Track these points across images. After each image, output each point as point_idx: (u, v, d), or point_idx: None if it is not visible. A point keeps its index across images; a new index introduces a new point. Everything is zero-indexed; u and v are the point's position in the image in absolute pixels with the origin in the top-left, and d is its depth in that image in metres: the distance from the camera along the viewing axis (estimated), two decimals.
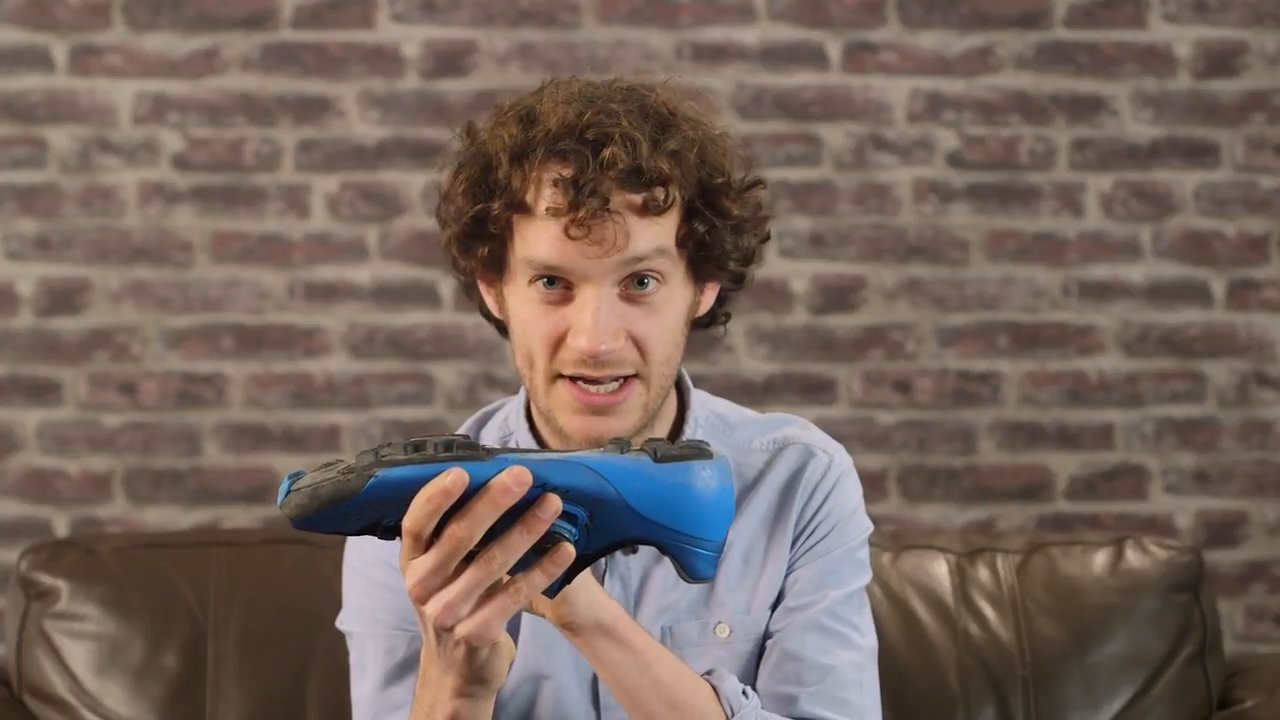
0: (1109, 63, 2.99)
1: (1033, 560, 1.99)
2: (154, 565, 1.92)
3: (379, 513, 1.11)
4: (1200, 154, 2.99)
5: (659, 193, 1.35)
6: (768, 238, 1.48)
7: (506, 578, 1.14)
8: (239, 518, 2.92)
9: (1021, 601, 1.96)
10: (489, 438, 1.53)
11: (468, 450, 1.10)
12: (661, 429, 1.47)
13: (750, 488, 1.49)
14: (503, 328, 1.47)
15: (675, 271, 1.39)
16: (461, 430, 1.56)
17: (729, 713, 1.36)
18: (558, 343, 1.37)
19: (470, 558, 1.12)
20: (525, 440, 1.48)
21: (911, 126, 2.97)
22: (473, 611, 1.14)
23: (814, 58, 2.97)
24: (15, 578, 1.92)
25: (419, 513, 1.09)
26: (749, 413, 1.55)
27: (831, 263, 2.98)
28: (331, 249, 2.93)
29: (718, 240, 1.40)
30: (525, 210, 1.36)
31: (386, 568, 1.45)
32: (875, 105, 2.97)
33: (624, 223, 1.34)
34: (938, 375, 2.98)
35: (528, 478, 1.09)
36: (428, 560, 1.11)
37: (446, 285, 2.91)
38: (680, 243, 1.39)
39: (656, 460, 1.14)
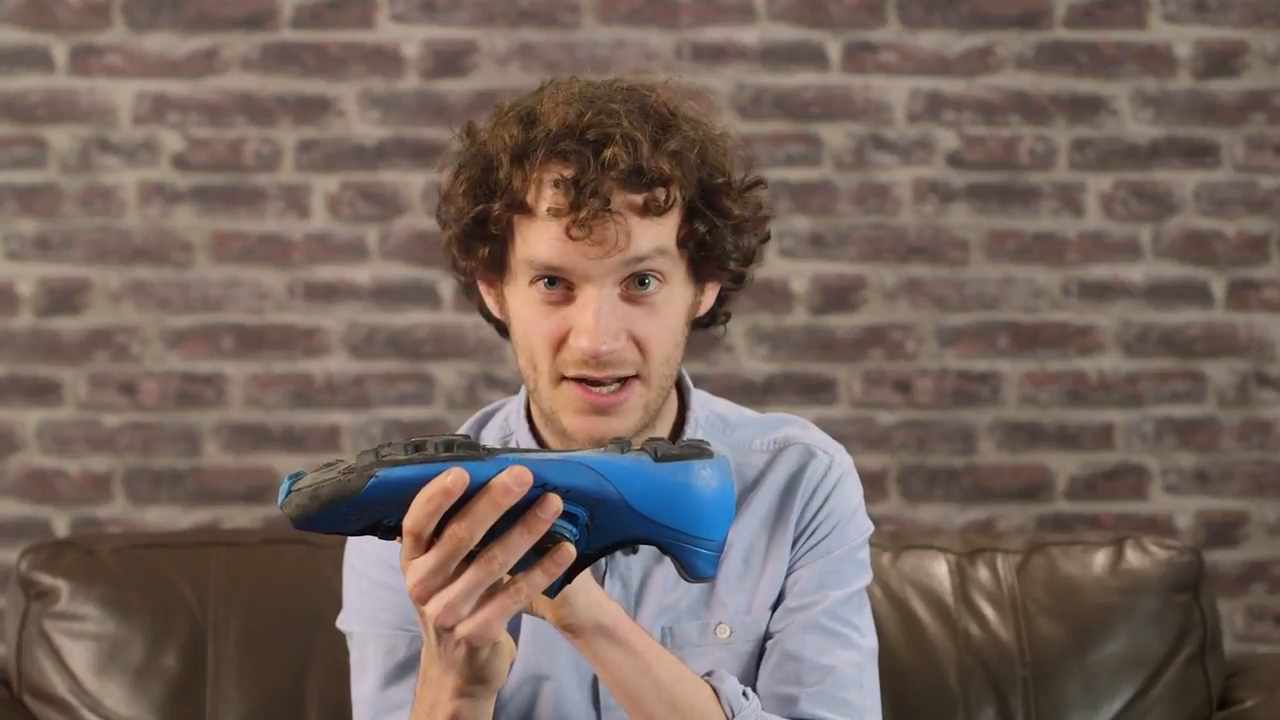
0: (1109, 63, 2.99)
1: (1033, 560, 1.99)
2: (154, 565, 1.92)
3: (379, 513, 1.11)
4: (1200, 154, 2.99)
5: (660, 193, 1.35)
6: (768, 238, 1.48)
7: (507, 578, 1.14)
8: (239, 518, 2.92)
9: (1021, 601, 1.96)
10: (489, 438, 1.53)
11: (468, 450, 1.10)
12: (662, 429, 1.47)
13: (751, 488, 1.49)
14: (502, 328, 1.47)
15: (676, 272, 1.39)
16: (462, 430, 1.56)
17: (729, 714, 1.36)
18: (559, 343, 1.37)
19: (471, 558, 1.12)
20: (525, 440, 1.48)
21: (911, 126, 2.97)
22: (473, 611, 1.14)
23: (814, 58, 2.97)
24: (15, 578, 1.92)
25: (419, 513, 1.09)
26: (749, 413, 1.55)
27: (831, 263, 2.98)
28: (331, 249, 2.93)
29: (718, 240, 1.40)
30: (526, 211, 1.36)
31: (387, 568, 1.45)
32: (875, 105, 2.97)
33: (625, 223, 1.34)
34: (938, 375, 2.98)
35: (528, 478, 1.09)
36: (428, 560, 1.11)
37: (446, 285, 2.91)
38: (681, 243, 1.39)
39: (657, 460, 1.14)
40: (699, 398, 1.52)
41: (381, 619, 1.46)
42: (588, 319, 1.35)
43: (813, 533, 1.48)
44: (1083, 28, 2.98)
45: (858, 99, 2.97)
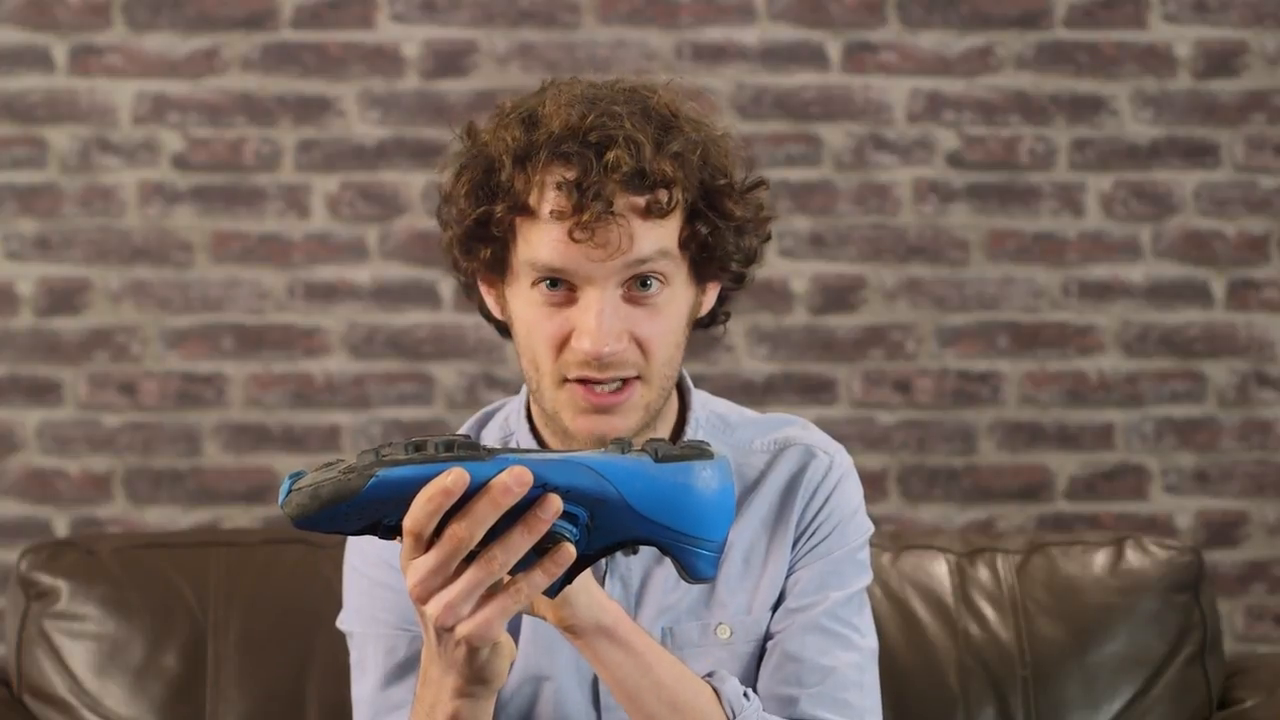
0: (1109, 63, 2.99)
1: (1033, 560, 1.99)
2: (154, 565, 1.92)
3: (380, 512, 1.11)
4: (1200, 154, 2.99)
5: (662, 195, 1.35)
6: (769, 238, 1.48)
7: (507, 578, 1.14)
8: (239, 518, 2.92)
9: (1021, 601, 1.96)
10: (490, 438, 1.53)
11: (468, 450, 1.10)
12: (663, 429, 1.47)
13: (751, 488, 1.49)
14: (503, 328, 1.47)
15: (678, 273, 1.39)
16: (462, 430, 1.56)
17: (730, 714, 1.36)
18: (562, 344, 1.37)
19: (471, 558, 1.12)
20: (526, 440, 1.48)
21: (911, 126, 2.97)
22: (473, 611, 1.14)
23: (814, 58, 2.97)
24: (15, 578, 1.92)
25: (420, 512, 1.09)
26: (749, 413, 1.55)
27: (831, 263, 2.98)
28: (331, 249, 2.93)
29: (720, 242, 1.40)
30: (529, 213, 1.36)
31: (387, 568, 1.45)
32: (875, 105, 2.97)
33: (628, 225, 1.34)
34: (938, 375, 2.98)
35: (528, 478, 1.09)
36: (428, 560, 1.11)
37: (446, 285, 2.91)
38: (683, 244, 1.39)
39: (657, 460, 1.14)
40: (699, 398, 1.52)
41: (381, 619, 1.46)
42: (590, 321, 1.35)
43: (813, 533, 1.48)
44: (1083, 28, 2.98)
45: (858, 99, 2.97)
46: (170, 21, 2.91)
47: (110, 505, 2.91)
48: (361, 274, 2.94)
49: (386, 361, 2.94)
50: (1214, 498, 3.00)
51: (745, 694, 1.38)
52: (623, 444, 1.15)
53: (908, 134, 2.97)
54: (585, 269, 1.35)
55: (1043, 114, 2.98)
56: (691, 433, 1.50)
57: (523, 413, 1.50)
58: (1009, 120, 2.98)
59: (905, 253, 2.98)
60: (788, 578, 1.47)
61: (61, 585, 1.89)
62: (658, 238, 1.36)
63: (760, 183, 1.45)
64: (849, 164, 2.97)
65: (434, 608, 1.13)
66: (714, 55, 2.96)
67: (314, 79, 2.93)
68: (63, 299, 2.91)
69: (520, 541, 1.11)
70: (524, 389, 1.49)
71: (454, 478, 1.08)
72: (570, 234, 1.33)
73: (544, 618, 1.27)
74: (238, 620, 1.89)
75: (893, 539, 2.03)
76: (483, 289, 1.46)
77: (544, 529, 1.11)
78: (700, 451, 1.15)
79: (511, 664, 1.24)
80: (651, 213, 1.35)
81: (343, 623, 1.52)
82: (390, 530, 1.12)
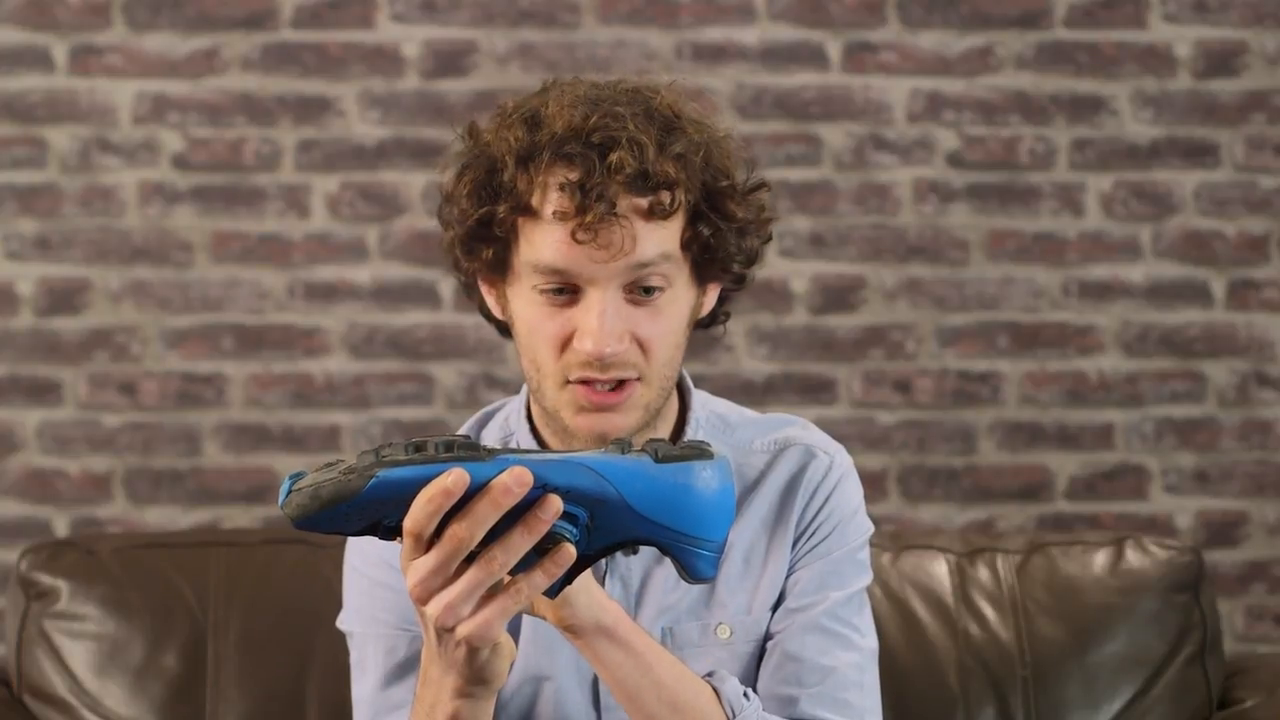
0: (1109, 63, 2.99)
1: (1033, 560, 1.99)
2: (154, 565, 1.92)
3: (380, 513, 1.11)
4: (1200, 154, 2.99)
5: (665, 196, 1.35)
6: (770, 239, 1.48)
7: (507, 578, 1.14)
8: (239, 518, 2.92)
9: (1021, 601, 1.96)
10: (490, 438, 1.53)
11: (469, 450, 1.10)
12: (663, 429, 1.47)
13: (751, 488, 1.49)
14: (503, 328, 1.47)
15: (679, 274, 1.39)
16: (462, 430, 1.56)
17: (730, 714, 1.36)
18: (564, 345, 1.37)
19: (471, 558, 1.12)
20: (526, 440, 1.48)
21: (911, 126, 2.97)
22: (474, 612, 1.14)
23: (814, 58, 2.97)
24: (15, 578, 1.92)
25: (420, 513, 1.09)
26: (749, 413, 1.55)
27: (831, 263, 2.98)
28: (331, 249, 2.93)
29: (722, 243, 1.40)
30: (531, 214, 1.36)
31: (387, 568, 1.45)
32: (875, 105, 2.97)
33: (630, 227, 1.34)
34: (938, 375, 2.98)
35: (529, 478, 1.09)
36: (429, 560, 1.11)
37: (446, 285, 2.91)
38: (685, 246, 1.39)
39: (657, 461, 1.14)
40: (700, 398, 1.52)
41: (381, 619, 1.46)
42: (592, 321, 1.35)
43: (813, 533, 1.48)
44: (1083, 28, 2.98)
45: (858, 99, 2.97)
46: (170, 21, 2.91)
47: (110, 505, 2.91)
48: (361, 274, 2.94)
49: (386, 361, 2.94)
50: (1214, 498, 3.00)
51: (745, 694, 1.38)
52: (623, 444, 1.15)
53: (908, 134, 2.97)
54: (588, 270, 1.35)
55: (1043, 114, 2.98)
56: (692, 433, 1.50)
57: (523, 413, 1.50)
58: (1009, 120, 2.98)
59: (905, 253, 2.98)
60: (788, 578, 1.47)
61: (61, 585, 1.89)
62: (660, 240, 1.36)
63: (762, 184, 1.45)
64: (849, 164, 2.97)
65: (434, 608, 1.13)
66: (714, 55, 2.96)
67: (314, 79, 2.93)
68: (63, 299, 2.91)
69: (520, 542, 1.11)
70: (524, 389, 1.49)
71: (454, 478, 1.08)
72: (573, 235, 1.33)
73: (544, 618, 1.27)
74: (238, 620, 1.89)
75: (893, 539, 2.03)
76: (484, 289, 1.46)
77: (544, 529, 1.11)
78: (700, 452, 1.15)
79: (511, 664, 1.24)
80: (654, 214, 1.35)
81: (343, 623, 1.52)
82: (390, 531, 1.12)
